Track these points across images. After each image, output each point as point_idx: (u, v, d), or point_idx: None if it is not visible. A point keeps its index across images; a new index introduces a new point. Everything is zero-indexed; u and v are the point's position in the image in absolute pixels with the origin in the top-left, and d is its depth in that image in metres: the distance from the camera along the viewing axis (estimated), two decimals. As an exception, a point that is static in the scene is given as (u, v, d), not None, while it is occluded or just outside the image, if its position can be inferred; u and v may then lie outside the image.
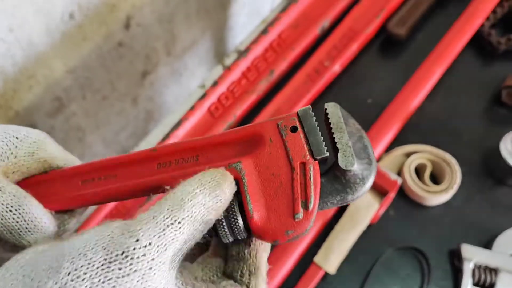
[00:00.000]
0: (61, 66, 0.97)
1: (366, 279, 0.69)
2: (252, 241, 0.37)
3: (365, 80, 0.86)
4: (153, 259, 0.29)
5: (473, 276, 0.67)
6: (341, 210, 0.71)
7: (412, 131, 0.80)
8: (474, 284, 0.67)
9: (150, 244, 0.29)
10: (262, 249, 0.38)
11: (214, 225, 0.35)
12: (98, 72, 1.07)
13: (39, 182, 0.40)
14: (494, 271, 0.67)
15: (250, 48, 0.83)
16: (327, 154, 0.35)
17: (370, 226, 0.71)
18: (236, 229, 0.35)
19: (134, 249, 0.29)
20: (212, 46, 1.40)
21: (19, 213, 0.36)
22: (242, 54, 0.83)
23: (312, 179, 0.34)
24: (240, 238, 0.36)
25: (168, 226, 0.30)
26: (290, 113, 0.37)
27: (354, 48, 0.85)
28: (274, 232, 0.34)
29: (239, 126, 0.78)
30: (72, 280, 0.28)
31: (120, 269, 0.28)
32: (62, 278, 0.28)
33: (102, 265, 0.28)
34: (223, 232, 0.35)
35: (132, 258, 0.29)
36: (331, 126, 0.36)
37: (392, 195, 0.71)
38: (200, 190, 0.32)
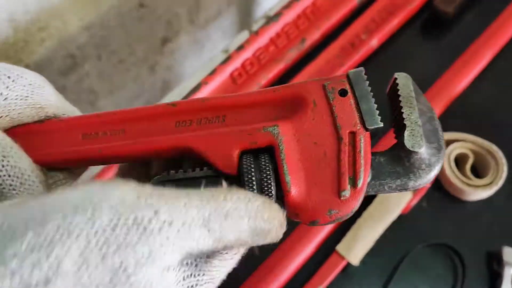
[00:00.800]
0: (76, 21, 0.91)
1: (392, 275, 0.62)
2: None
3: (404, 60, 0.78)
4: (167, 238, 0.24)
5: (513, 282, 0.59)
6: (370, 196, 0.64)
7: (453, 118, 0.72)
8: (514, 292, 0.59)
9: (170, 224, 0.24)
10: None
11: (241, 181, 0.29)
12: (116, 32, 1.01)
13: (31, 132, 0.34)
14: (537, 279, 0.59)
15: (281, 13, 0.76)
16: (381, 124, 0.30)
17: (400, 217, 0.64)
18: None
19: (149, 220, 0.24)
20: (237, 19, 1.33)
21: (2, 166, 0.30)
22: (272, 19, 0.75)
23: (362, 152, 0.30)
24: None
25: (196, 224, 0.25)
26: (339, 74, 0.32)
27: (394, 23, 0.77)
28: (314, 210, 0.29)
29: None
30: (61, 236, 0.22)
31: (126, 236, 0.23)
32: (49, 231, 0.22)
33: (106, 226, 0.23)
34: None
35: (144, 229, 0.24)
36: (400, 99, 0.31)
37: (427, 185, 0.63)
38: (249, 221, 0.27)
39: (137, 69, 1.15)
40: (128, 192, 0.25)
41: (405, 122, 0.31)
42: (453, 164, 0.66)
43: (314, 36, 0.76)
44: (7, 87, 0.32)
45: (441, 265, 0.63)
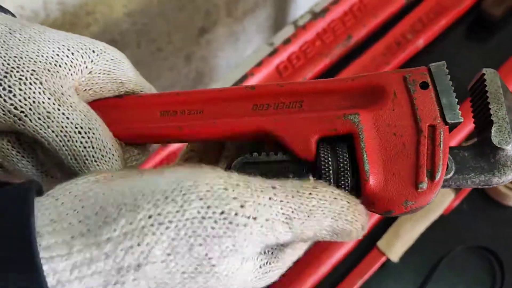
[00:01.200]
0: (121, 7, 0.92)
1: (430, 274, 0.62)
2: None
3: (450, 61, 0.76)
4: (251, 233, 0.25)
5: (554, 289, 0.59)
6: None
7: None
8: (554, 299, 0.59)
9: (255, 219, 0.25)
10: None
11: (318, 167, 0.29)
12: (157, 20, 1.02)
13: (111, 107, 0.34)
14: None
15: (328, 8, 0.76)
16: (462, 119, 0.30)
17: (440, 218, 0.64)
18: (342, 187, 0.29)
19: (236, 214, 0.25)
20: (272, 13, 1.33)
21: (88, 137, 0.31)
22: (319, 14, 0.76)
23: (442, 146, 0.29)
24: None
25: (279, 222, 0.26)
26: (420, 67, 0.32)
27: (441, 24, 0.77)
28: (390, 200, 0.29)
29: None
30: (152, 225, 0.23)
31: (213, 228, 0.24)
32: (141, 220, 0.23)
33: (194, 218, 0.24)
34: (326, 181, 0.29)
35: (231, 223, 0.24)
36: (487, 95, 0.31)
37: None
38: (332, 220, 0.27)
39: (173, 58, 1.16)
40: (216, 181, 0.25)
41: (492, 118, 0.30)
42: (496, 167, 0.66)
43: (360, 33, 0.76)
44: (92, 61, 0.32)
45: (479, 268, 0.63)
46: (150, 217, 0.23)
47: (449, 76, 0.32)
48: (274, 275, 0.29)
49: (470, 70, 0.76)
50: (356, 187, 0.30)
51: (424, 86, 0.31)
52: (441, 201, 0.62)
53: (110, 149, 0.32)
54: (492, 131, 0.30)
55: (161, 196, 0.24)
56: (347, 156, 0.30)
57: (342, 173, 0.29)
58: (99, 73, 0.33)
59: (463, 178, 0.31)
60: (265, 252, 0.28)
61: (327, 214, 0.27)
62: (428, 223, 0.62)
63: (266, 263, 0.28)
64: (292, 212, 0.26)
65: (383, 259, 0.61)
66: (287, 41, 0.73)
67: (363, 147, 0.30)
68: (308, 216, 0.26)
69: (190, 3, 1.06)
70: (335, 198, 0.27)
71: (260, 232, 0.25)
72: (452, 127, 0.31)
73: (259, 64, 0.72)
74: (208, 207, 0.24)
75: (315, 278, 0.59)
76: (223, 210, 0.24)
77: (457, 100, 0.31)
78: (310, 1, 0.81)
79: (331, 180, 0.29)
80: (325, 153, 0.30)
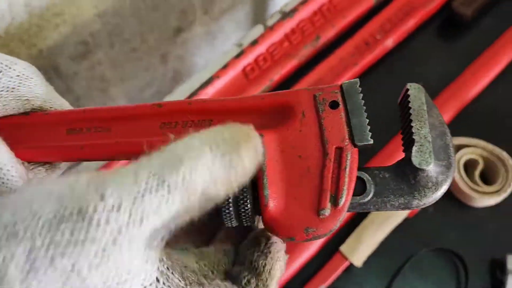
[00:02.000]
0: (91, 7, 0.91)
1: (394, 278, 0.61)
2: (269, 250, 0.30)
3: (420, 61, 0.77)
4: (119, 230, 0.21)
5: (516, 291, 0.59)
6: (377, 198, 0.64)
7: (465, 122, 0.71)
8: (517, 301, 0.59)
9: (118, 208, 0.21)
10: (278, 262, 0.30)
11: (219, 207, 0.28)
12: (130, 20, 1.00)
13: (16, 124, 0.33)
14: (541, 289, 0.59)
15: (297, 9, 0.75)
16: (371, 141, 0.29)
17: (405, 221, 0.64)
18: (243, 214, 0.28)
19: (94, 209, 0.20)
20: (251, 11, 1.32)
21: None
22: (287, 14, 0.75)
23: (347, 169, 0.28)
24: (245, 225, 0.29)
25: (151, 188, 0.21)
26: (332, 84, 0.30)
27: (411, 24, 0.77)
28: (290, 227, 0.28)
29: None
30: (6, 239, 0.20)
31: (72, 233, 0.20)
32: None
33: (50, 222, 0.20)
34: (226, 212, 0.28)
35: (90, 222, 0.20)
36: (411, 112, 0.29)
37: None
38: (210, 148, 0.23)
39: (149, 58, 1.15)
40: (80, 179, 0.22)
41: (414, 137, 0.29)
42: (462, 169, 0.66)
43: (329, 33, 0.75)
44: None
45: (444, 271, 0.63)
46: (5, 227, 0.20)
47: (361, 95, 0.30)
48: None
49: (440, 70, 0.76)
50: (259, 212, 0.29)
51: (333, 105, 0.29)
52: (405, 204, 0.62)
53: (8, 170, 0.30)
54: (413, 151, 0.29)
55: (21, 203, 0.21)
56: (252, 184, 0.28)
57: (241, 198, 0.28)
58: (1, 91, 0.31)
59: (382, 201, 0.29)
60: (161, 259, 0.24)
61: (201, 144, 0.23)
62: (392, 227, 0.62)
63: (166, 278, 0.24)
64: (162, 167, 0.22)
65: (347, 263, 0.60)
66: (254, 43, 0.73)
67: (264, 171, 0.28)
68: (181, 162, 0.22)
69: (165, 3, 1.05)
70: (204, 132, 0.24)
71: (132, 224, 0.21)
72: (362, 149, 0.29)
73: (225, 66, 0.71)
74: (65, 206, 0.20)
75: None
76: (81, 206, 0.20)
77: (368, 120, 0.29)
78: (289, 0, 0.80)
79: (231, 203, 0.28)
80: None
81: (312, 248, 0.60)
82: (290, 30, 0.74)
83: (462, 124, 0.71)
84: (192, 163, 0.22)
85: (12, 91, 0.32)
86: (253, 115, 0.30)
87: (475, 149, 0.67)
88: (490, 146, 0.67)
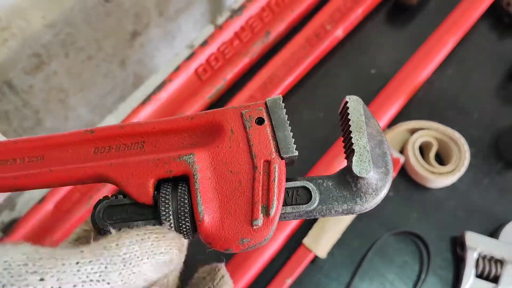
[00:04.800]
0: (39, 19, 0.89)
1: (359, 265, 0.63)
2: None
3: (370, 49, 0.78)
4: None
5: (476, 266, 0.61)
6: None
7: (418, 106, 0.73)
8: (477, 276, 0.61)
9: None
10: None
11: (161, 217, 0.29)
12: (82, 28, 0.99)
13: None
14: (500, 262, 0.61)
15: (245, 6, 0.75)
16: (296, 153, 0.31)
17: (366, 207, 0.65)
18: (184, 230, 0.30)
19: None
20: (208, 8, 1.31)
21: None
22: (236, 12, 0.75)
23: (276, 181, 0.30)
24: (189, 239, 0.31)
25: (92, 281, 0.23)
26: (258, 102, 0.32)
27: (359, 12, 0.77)
28: (226, 239, 0.29)
29: (229, 91, 0.70)
30: None
31: None
32: None
33: None
34: (169, 226, 0.30)
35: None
36: (350, 123, 0.31)
37: (393, 174, 0.64)
38: (148, 260, 0.26)
39: (107, 64, 1.13)
40: (17, 257, 0.23)
41: (353, 147, 0.31)
42: (417, 152, 0.67)
43: (279, 28, 0.76)
44: None
45: (407, 253, 0.64)
46: None
47: (284, 110, 0.31)
48: None
49: (391, 56, 0.77)
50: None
51: (259, 121, 0.31)
52: (364, 191, 0.63)
53: None
54: (353, 161, 0.30)
55: None
56: (185, 197, 0.30)
57: (181, 216, 0.29)
58: None
59: (326, 208, 0.31)
60: None
61: (141, 255, 0.26)
62: (352, 216, 0.63)
63: None
64: (106, 267, 0.24)
65: (312, 255, 0.61)
66: (204, 43, 0.72)
67: (197, 188, 0.29)
68: (124, 265, 0.25)
69: (117, 8, 1.03)
70: (142, 239, 0.27)
71: None
72: (289, 160, 0.31)
73: (177, 69, 0.71)
74: (3, 286, 0.21)
75: (244, 281, 0.59)
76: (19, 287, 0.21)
77: (292, 133, 0.31)
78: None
79: (172, 223, 0.29)
80: (164, 196, 0.29)
81: (276, 244, 0.61)
82: (239, 28, 0.74)
83: (415, 108, 0.73)
84: (132, 269, 0.25)
85: None
86: (184, 134, 0.32)
87: (428, 131, 0.68)
88: (442, 127, 0.68)
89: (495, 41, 0.79)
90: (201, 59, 0.72)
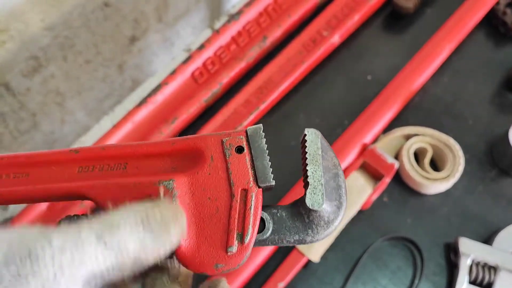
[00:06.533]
0: (38, 21, 0.89)
1: (353, 269, 0.62)
2: None
3: (366, 55, 0.79)
4: (61, 266, 0.24)
5: (470, 273, 0.61)
6: (330, 193, 0.65)
7: (413, 112, 0.73)
8: (471, 282, 0.61)
9: (63, 249, 0.24)
10: None
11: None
12: (81, 32, 0.99)
13: None
14: (493, 269, 0.61)
15: (242, 11, 0.75)
16: (273, 182, 0.32)
17: (361, 212, 0.65)
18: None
19: (42, 247, 0.24)
20: (206, 15, 1.32)
21: None
22: (233, 17, 0.75)
23: (252, 209, 0.31)
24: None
25: (91, 242, 0.26)
26: (238, 130, 0.33)
27: (356, 19, 0.78)
28: (202, 263, 0.30)
29: (225, 95, 0.70)
30: None
31: (19, 268, 0.23)
32: None
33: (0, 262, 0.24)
34: None
35: (37, 257, 0.24)
36: (307, 156, 0.32)
37: (387, 180, 0.64)
38: (143, 226, 0.27)
39: (105, 69, 1.14)
40: (31, 230, 0.25)
41: (308, 180, 0.32)
42: (412, 158, 0.67)
43: (276, 33, 0.76)
44: None
45: (401, 258, 0.64)
46: None
47: (264, 140, 0.32)
48: None
49: (386, 63, 0.77)
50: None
51: (239, 150, 0.32)
52: (358, 197, 0.63)
53: None
54: (307, 193, 0.31)
55: None
56: None
57: None
58: None
59: (279, 238, 0.32)
60: None
61: (135, 221, 0.27)
62: (347, 220, 0.62)
63: None
64: (102, 231, 0.26)
65: (304, 260, 0.61)
66: (201, 47, 0.73)
67: None
68: (118, 228, 0.26)
69: (115, 13, 1.04)
70: (138, 209, 0.28)
71: (72, 263, 0.24)
72: (266, 189, 0.32)
73: (173, 72, 0.71)
74: (16, 249, 0.24)
75: (236, 285, 0.59)
76: (30, 247, 0.24)
77: (270, 163, 0.32)
78: (237, 2, 0.81)
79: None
80: None
81: (268, 248, 0.61)
82: (236, 32, 0.75)
83: (410, 114, 0.73)
84: (127, 235, 0.27)
85: None
86: (165, 159, 0.33)
87: (423, 137, 0.68)
88: (437, 134, 0.68)
89: (491, 50, 0.80)
90: (197, 62, 0.72)
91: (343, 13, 0.79)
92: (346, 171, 0.65)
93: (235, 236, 0.30)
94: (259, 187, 0.31)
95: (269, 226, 0.32)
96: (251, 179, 0.31)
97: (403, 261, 0.64)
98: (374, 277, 0.63)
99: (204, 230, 0.31)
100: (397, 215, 0.66)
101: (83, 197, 0.32)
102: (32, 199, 0.33)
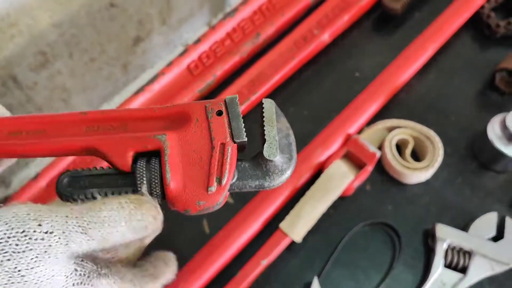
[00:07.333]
0: (46, 18, 0.94)
1: (333, 252, 0.65)
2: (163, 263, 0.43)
3: (355, 53, 0.83)
4: (50, 245, 0.31)
5: (445, 257, 0.63)
6: (314, 178, 0.68)
7: (397, 107, 0.77)
8: (446, 266, 0.63)
9: (51, 233, 0.31)
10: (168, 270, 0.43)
11: (135, 177, 0.37)
12: (87, 31, 1.04)
13: None
14: (468, 254, 0.63)
15: (237, 8, 0.80)
16: (246, 139, 0.39)
17: (344, 199, 0.68)
18: (155, 193, 0.38)
19: (34, 231, 0.31)
20: (209, 19, 1.37)
21: None
22: (229, 14, 0.80)
23: (229, 159, 0.38)
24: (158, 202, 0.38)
25: (77, 232, 0.32)
26: (219, 98, 0.41)
27: (345, 19, 0.82)
28: (186, 201, 0.37)
29: (219, 87, 0.74)
30: None
31: (17, 245, 0.30)
32: None
33: (1, 238, 0.30)
34: (144, 190, 0.37)
35: (30, 238, 0.31)
36: (264, 119, 0.40)
37: (369, 168, 0.68)
38: (126, 224, 0.34)
39: (109, 67, 1.18)
40: (21, 209, 0.32)
41: (265, 137, 0.39)
42: (394, 149, 0.70)
43: (269, 31, 0.80)
44: None
45: (380, 243, 0.67)
46: None
47: (239, 106, 0.40)
48: None
49: (374, 61, 0.81)
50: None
51: (219, 113, 0.39)
52: (340, 182, 0.66)
53: None
54: (264, 147, 0.39)
55: None
56: (157, 167, 0.38)
57: (153, 182, 0.37)
58: None
59: (243, 184, 0.39)
60: (80, 274, 0.33)
61: (118, 219, 0.34)
62: (328, 203, 0.66)
63: (80, 283, 0.34)
64: (87, 224, 0.32)
65: (287, 240, 0.64)
66: (197, 41, 0.77)
67: (167, 160, 0.37)
68: (103, 225, 0.33)
69: (121, 14, 1.09)
70: (122, 207, 0.34)
71: (59, 243, 0.31)
72: (240, 145, 0.39)
73: (170, 64, 0.75)
74: (12, 228, 0.30)
75: (221, 262, 0.62)
76: (24, 229, 0.31)
77: (244, 124, 0.39)
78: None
79: (146, 187, 0.37)
80: (140, 166, 0.38)
81: (254, 226, 0.64)
82: (231, 29, 0.79)
83: (395, 108, 0.76)
84: (110, 230, 0.33)
85: None
86: (159, 120, 0.40)
87: (405, 129, 0.72)
88: (419, 126, 0.72)
89: (475, 51, 0.83)
90: (193, 56, 0.76)
91: (334, 13, 0.83)
92: (330, 159, 0.68)
93: (214, 179, 0.37)
94: (234, 142, 0.38)
95: (236, 174, 0.39)
96: (228, 136, 0.38)
97: (382, 245, 0.67)
98: (354, 259, 0.66)
99: (189, 175, 0.37)
100: (378, 203, 0.69)
101: (90, 151, 0.38)
102: (48, 152, 0.39)
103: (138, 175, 0.37)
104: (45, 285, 0.31)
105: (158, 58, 1.31)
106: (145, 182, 0.37)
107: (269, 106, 0.41)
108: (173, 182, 0.37)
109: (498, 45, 0.83)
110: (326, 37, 0.80)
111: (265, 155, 0.38)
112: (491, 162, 0.71)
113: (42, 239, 0.30)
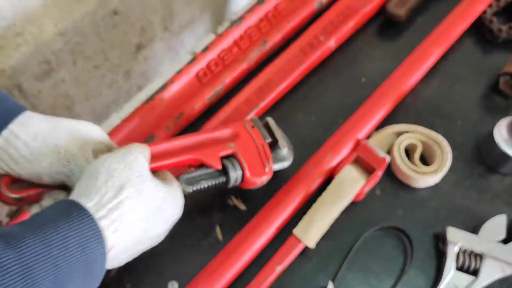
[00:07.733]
0: (51, 27, 0.94)
1: (346, 256, 0.66)
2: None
3: (361, 59, 0.83)
4: (137, 157, 0.51)
5: (457, 260, 0.64)
6: (325, 184, 0.69)
7: (404, 112, 0.78)
8: (458, 269, 0.64)
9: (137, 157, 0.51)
10: None
11: (227, 170, 0.60)
12: (91, 38, 1.04)
13: None
14: (479, 256, 0.64)
15: (244, 16, 0.81)
16: (271, 139, 0.65)
17: (355, 204, 0.69)
18: (239, 178, 0.61)
19: (130, 153, 0.51)
20: (211, 24, 1.38)
21: None
22: (235, 22, 0.80)
23: (267, 151, 0.63)
24: (235, 185, 0.62)
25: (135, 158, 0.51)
26: (248, 119, 0.68)
27: (350, 25, 0.83)
28: (255, 178, 0.61)
29: (227, 94, 0.75)
30: (112, 171, 0.49)
31: (122, 160, 0.50)
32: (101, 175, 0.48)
33: (115, 169, 0.49)
34: (233, 180, 0.61)
35: (129, 153, 0.51)
36: (273, 131, 0.67)
37: (379, 173, 0.68)
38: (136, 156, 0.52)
39: (112, 75, 1.18)
40: (132, 150, 0.52)
41: (277, 137, 0.66)
42: (403, 153, 0.71)
43: (275, 38, 0.81)
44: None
45: (392, 247, 0.68)
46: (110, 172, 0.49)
47: (260, 122, 0.67)
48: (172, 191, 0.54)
49: (379, 67, 0.82)
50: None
51: (253, 127, 0.65)
52: (351, 187, 0.67)
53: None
54: (279, 144, 0.66)
55: (113, 161, 0.50)
56: (238, 162, 0.61)
57: (238, 171, 0.61)
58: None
59: (275, 164, 0.65)
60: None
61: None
62: (340, 209, 0.66)
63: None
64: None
65: (301, 246, 0.64)
66: (205, 49, 0.78)
67: (241, 158, 0.61)
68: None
69: (124, 21, 1.09)
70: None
71: (144, 160, 0.51)
72: (269, 144, 0.65)
73: (179, 72, 0.75)
74: (127, 163, 0.49)
75: (235, 269, 0.62)
76: (125, 160, 0.50)
77: (267, 131, 0.66)
78: (240, 9, 0.86)
79: (236, 175, 0.60)
80: (227, 163, 0.60)
81: (268, 232, 0.64)
82: (238, 36, 0.80)
83: (402, 113, 0.77)
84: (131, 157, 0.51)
85: None
86: (222, 137, 0.63)
87: (413, 134, 0.73)
88: (427, 131, 0.73)
89: (478, 55, 0.84)
90: (201, 64, 0.77)
91: (339, 19, 0.84)
92: (340, 165, 0.69)
93: (266, 164, 0.62)
94: (265, 141, 0.64)
95: (271, 162, 0.63)
96: (262, 139, 0.64)
97: (394, 249, 0.67)
98: (367, 264, 0.66)
99: (251, 164, 0.61)
100: (388, 207, 0.70)
101: (196, 161, 0.59)
102: (172, 166, 0.57)
103: (230, 169, 0.60)
104: (150, 190, 0.50)
105: (160, 64, 1.31)
106: (236, 173, 0.60)
107: (273, 122, 0.67)
108: (248, 168, 0.60)
109: (500, 49, 0.84)
110: (332, 43, 0.81)
111: (280, 146, 0.65)
112: (498, 165, 0.72)
113: (136, 158, 0.50)
